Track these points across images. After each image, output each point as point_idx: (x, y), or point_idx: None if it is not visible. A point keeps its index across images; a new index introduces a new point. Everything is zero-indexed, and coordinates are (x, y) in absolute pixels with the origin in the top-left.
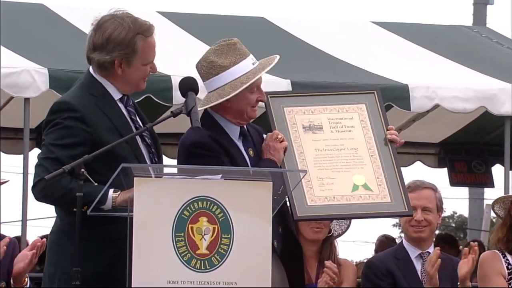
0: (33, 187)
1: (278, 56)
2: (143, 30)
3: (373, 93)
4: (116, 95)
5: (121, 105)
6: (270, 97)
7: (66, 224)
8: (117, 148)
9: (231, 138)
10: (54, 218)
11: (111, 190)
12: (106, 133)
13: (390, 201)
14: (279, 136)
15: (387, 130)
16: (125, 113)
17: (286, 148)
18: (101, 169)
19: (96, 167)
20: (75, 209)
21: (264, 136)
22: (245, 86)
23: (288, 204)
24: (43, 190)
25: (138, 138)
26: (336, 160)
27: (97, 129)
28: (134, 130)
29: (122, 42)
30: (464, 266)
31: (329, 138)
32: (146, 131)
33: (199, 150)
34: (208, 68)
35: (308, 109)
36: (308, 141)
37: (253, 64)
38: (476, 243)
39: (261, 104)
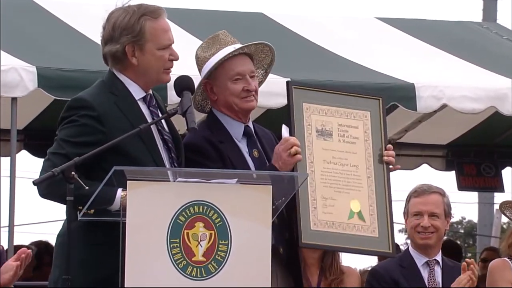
0: (38, 182)
1: (267, 43)
2: (149, 12)
3: (378, 100)
4: (138, 94)
5: (143, 105)
6: (294, 87)
7: (74, 227)
8: (136, 153)
9: (232, 139)
10: (45, 224)
11: (119, 190)
12: (122, 135)
13: (377, 237)
14: (292, 150)
15: (386, 149)
16: (147, 113)
17: (300, 160)
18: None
19: (110, 168)
20: (80, 208)
21: (283, 130)
22: (211, 67)
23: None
24: (49, 187)
25: (159, 141)
26: (339, 177)
27: (113, 130)
28: (155, 132)
29: (127, 25)
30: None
31: (336, 149)
32: (168, 135)
33: (190, 154)
34: (196, 64)
35: (323, 108)
36: (319, 149)
37: (234, 48)
38: (472, 259)
39: (261, 103)
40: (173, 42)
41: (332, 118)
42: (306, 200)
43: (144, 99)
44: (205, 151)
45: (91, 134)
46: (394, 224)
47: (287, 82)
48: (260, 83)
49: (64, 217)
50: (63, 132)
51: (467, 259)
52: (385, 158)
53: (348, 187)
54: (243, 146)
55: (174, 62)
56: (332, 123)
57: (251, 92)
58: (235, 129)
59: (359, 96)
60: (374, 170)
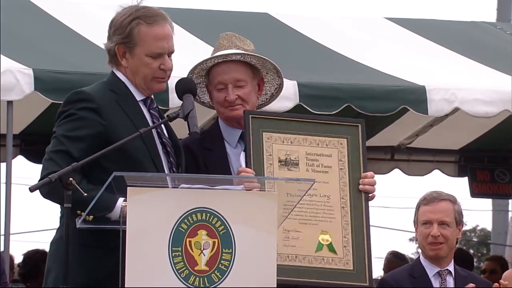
0: (34, 189)
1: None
2: (144, 16)
3: (358, 126)
4: (139, 96)
5: (143, 107)
6: (251, 117)
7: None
8: (135, 152)
9: (223, 146)
10: (43, 232)
11: (120, 199)
12: (125, 133)
13: (351, 270)
14: (246, 185)
15: (362, 177)
16: (147, 115)
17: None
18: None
19: (111, 169)
20: (78, 212)
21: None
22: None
23: None
24: (50, 191)
25: (159, 144)
26: (306, 208)
27: (113, 125)
28: (155, 135)
29: (120, 26)
30: None
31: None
32: (167, 139)
33: None
34: None
35: (288, 137)
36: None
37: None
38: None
39: (266, 107)
40: (168, 52)
41: (299, 147)
42: None
43: (144, 101)
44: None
45: (91, 126)
46: (404, 233)
47: (244, 112)
48: (278, 89)
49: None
50: (62, 128)
51: (501, 281)
52: (361, 187)
53: (316, 219)
54: (236, 153)
55: (174, 64)
56: (299, 151)
57: (234, 102)
58: (230, 135)
59: (335, 123)
60: (350, 200)
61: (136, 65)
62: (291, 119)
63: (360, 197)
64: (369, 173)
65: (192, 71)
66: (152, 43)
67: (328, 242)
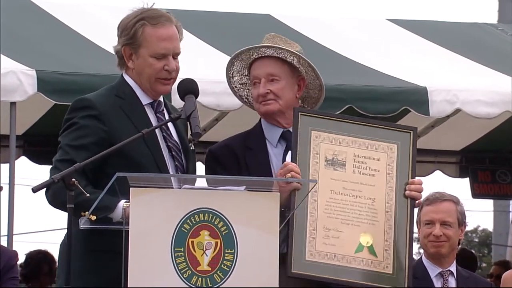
0: (37, 189)
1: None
2: (149, 17)
3: (410, 132)
4: (145, 100)
5: (149, 111)
6: (301, 114)
7: (74, 235)
8: (139, 157)
9: (264, 145)
10: (45, 232)
11: (122, 200)
12: (126, 138)
13: (391, 274)
14: (288, 175)
15: (410, 183)
16: (153, 119)
17: (298, 189)
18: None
19: (113, 174)
20: (82, 214)
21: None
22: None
23: (285, 251)
24: (54, 195)
25: (164, 148)
26: (349, 209)
27: (115, 131)
28: (160, 138)
29: (126, 27)
30: None
31: (348, 180)
32: (174, 143)
33: (208, 162)
34: None
35: (337, 138)
36: (326, 179)
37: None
38: None
39: None
40: (172, 53)
41: (347, 148)
42: (303, 228)
43: (151, 104)
44: (222, 159)
45: (93, 134)
46: None
47: (294, 109)
48: (320, 90)
49: (66, 225)
50: (66, 138)
51: None
52: (407, 193)
53: (359, 220)
54: (277, 152)
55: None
56: (347, 153)
57: (265, 96)
58: (271, 134)
59: (387, 128)
60: (395, 205)
61: (141, 66)
62: (341, 120)
63: (406, 203)
64: (417, 180)
65: (229, 68)
66: (155, 43)
67: (369, 244)
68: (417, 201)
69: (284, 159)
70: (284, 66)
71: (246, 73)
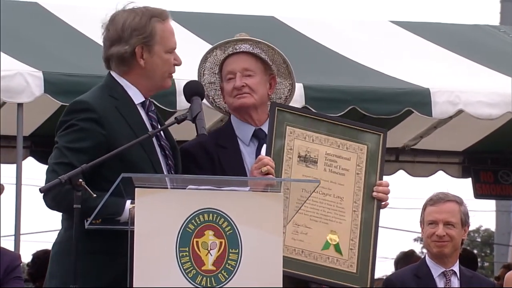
0: (44, 194)
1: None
2: (157, 14)
3: (380, 135)
4: (138, 99)
5: (141, 110)
6: (278, 109)
7: (70, 236)
8: (134, 157)
9: (236, 144)
10: (52, 232)
11: (128, 201)
12: (124, 140)
13: (354, 273)
14: (264, 169)
15: (377, 185)
16: (145, 119)
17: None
18: (115, 178)
19: (110, 175)
20: (86, 220)
21: (262, 150)
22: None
23: None
24: (55, 199)
25: (157, 147)
26: (318, 206)
27: (114, 133)
28: (153, 139)
29: (138, 26)
30: None
31: (319, 178)
32: (165, 142)
33: (183, 160)
34: None
35: (310, 135)
36: (299, 175)
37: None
38: None
39: None
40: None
41: (320, 146)
42: None
43: (143, 104)
44: (196, 157)
45: (92, 138)
46: (409, 233)
47: (271, 103)
48: (291, 90)
49: (66, 225)
50: (64, 139)
51: None
52: (374, 194)
53: (327, 218)
54: (250, 150)
55: (182, 67)
56: (319, 151)
57: (241, 89)
58: (243, 132)
59: (359, 129)
60: (362, 205)
61: (156, 63)
62: (316, 117)
63: (372, 204)
64: (384, 182)
65: (202, 64)
66: (169, 38)
67: (336, 242)
68: (383, 203)
69: (257, 157)
70: (258, 62)
71: (216, 71)
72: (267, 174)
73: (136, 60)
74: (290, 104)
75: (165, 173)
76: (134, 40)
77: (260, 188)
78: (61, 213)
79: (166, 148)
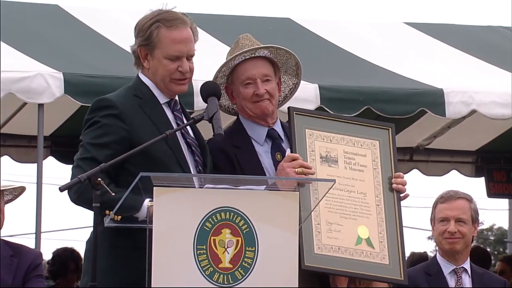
0: (64, 188)
1: (272, 46)
2: (164, 19)
3: (388, 129)
4: (162, 99)
5: (167, 109)
6: (295, 113)
7: (99, 233)
8: (160, 154)
9: (251, 144)
10: (72, 230)
11: (147, 200)
12: (148, 137)
13: (387, 264)
14: (299, 170)
15: (395, 177)
16: (171, 117)
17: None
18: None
19: (134, 170)
20: (107, 212)
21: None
22: (216, 70)
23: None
24: (77, 193)
25: (184, 145)
26: (346, 203)
27: (136, 129)
28: (179, 135)
29: (141, 28)
30: None
31: (342, 176)
32: (192, 139)
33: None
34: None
35: (328, 135)
36: (323, 175)
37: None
38: None
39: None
40: (186, 55)
41: (338, 145)
42: (309, 223)
43: (168, 103)
44: (216, 160)
45: (114, 133)
46: (423, 231)
47: (289, 108)
48: (293, 89)
49: (91, 223)
50: (87, 136)
51: None
52: (394, 186)
53: (355, 214)
54: (265, 150)
55: (196, 66)
56: (338, 150)
57: (263, 96)
58: (257, 133)
59: (368, 125)
60: (383, 198)
61: (155, 66)
62: (329, 118)
63: (393, 196)
64: (400, 174)
65: (220, 70)
66: (170, 46)
67: (366, 237)
68: (402, 194)
69: (273, 157)
70: (271, 67)
71: (227, 73)
72: (301, 174)
73: (141, 60)
74: (301, 106)
75: (192, 169)
76: (138, 41)
77: (291, 188)
78: (88, 213)
79: (193, 145)
